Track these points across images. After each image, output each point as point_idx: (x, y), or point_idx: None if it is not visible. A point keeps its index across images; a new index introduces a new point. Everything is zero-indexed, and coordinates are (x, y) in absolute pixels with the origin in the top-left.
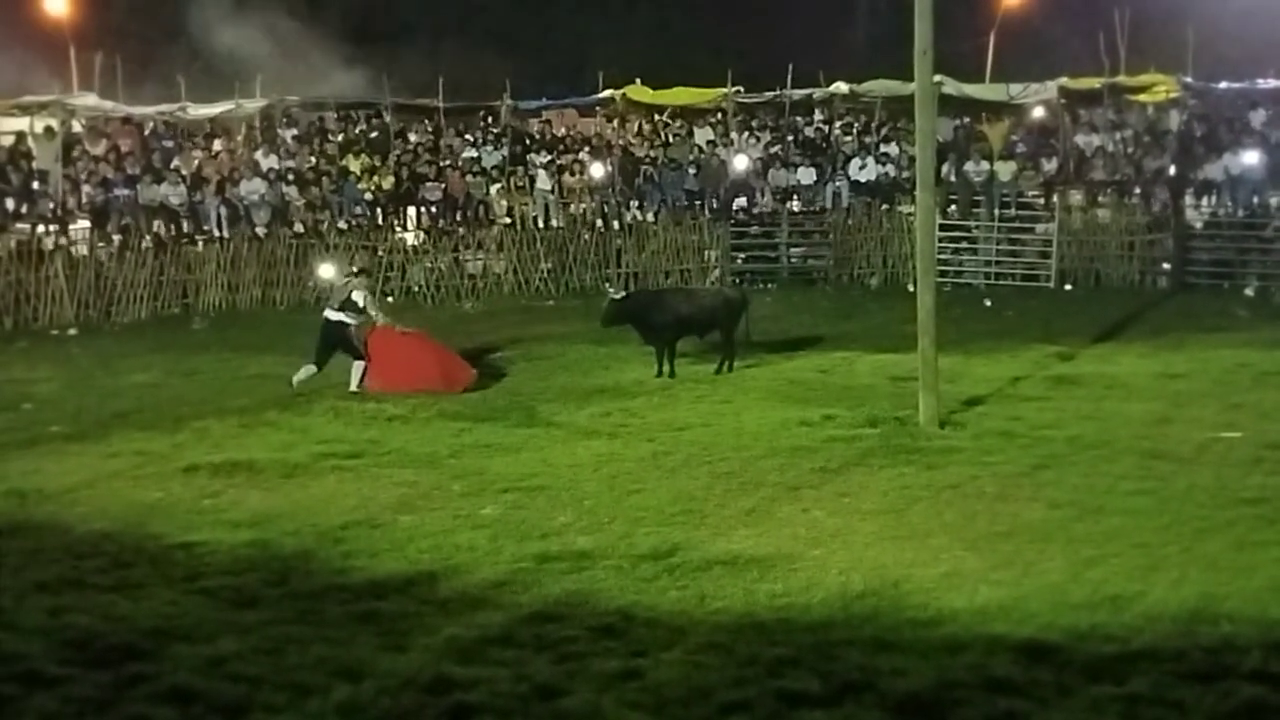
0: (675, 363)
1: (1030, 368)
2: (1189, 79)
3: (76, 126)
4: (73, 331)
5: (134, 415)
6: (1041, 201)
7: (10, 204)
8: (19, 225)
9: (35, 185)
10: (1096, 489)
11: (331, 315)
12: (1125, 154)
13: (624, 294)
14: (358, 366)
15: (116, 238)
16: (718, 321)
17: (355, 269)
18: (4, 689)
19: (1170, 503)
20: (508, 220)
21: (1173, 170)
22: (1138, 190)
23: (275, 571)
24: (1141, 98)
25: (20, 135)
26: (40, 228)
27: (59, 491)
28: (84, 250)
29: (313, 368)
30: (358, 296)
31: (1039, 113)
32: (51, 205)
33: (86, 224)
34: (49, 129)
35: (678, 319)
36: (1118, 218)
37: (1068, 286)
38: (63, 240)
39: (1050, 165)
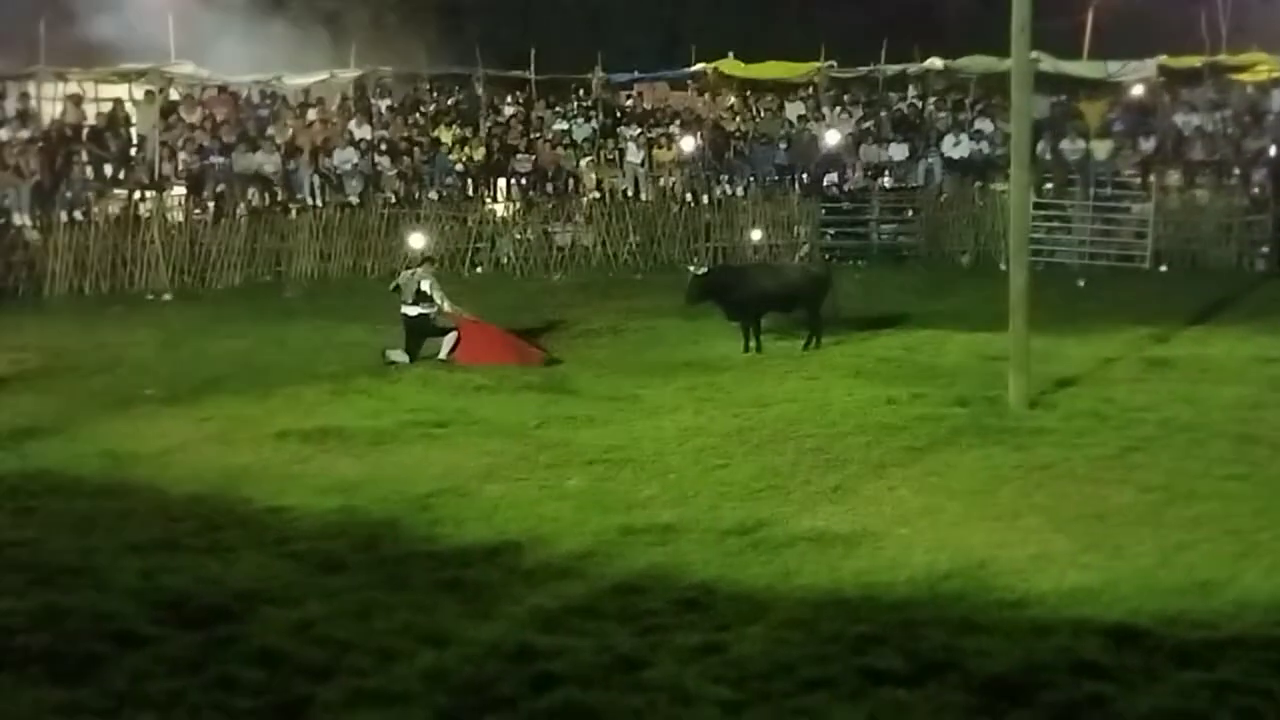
0: (762, 338)
1: (1123, 349)
2: None
3: (174, 94)
4: (167, 297)
5: (226, 380)
6: (1138, 181)
7: (109, 169)
8: (117, 191)
9: (133, 151)
10: (1188, 473)
11: (410, 311)
12: (1225, 134)
13: (706, 269)
14: (449, 337)
15: (211, 205)
16: (802, 298)
17: (420, 259)
18: (97, 648)
19: (1263, 488)
20: (597, 193)
21: (1273, 151)
22: (1236, 171)
23: (363, 537)
24: (1243, 77)
25: (118, 102)
26: (137, 194)
27: (153, 454)
28: (179, 217)
29: (405, 356)
30: (425, 285)
31: (1137, 91)
32: (149, 171)
33: (182, 190)
34: (149, 94)
35: (762, 295)
36: (1215, 199)
37: (1163, 268)
38: (159, 206)
39: (1148, 144)
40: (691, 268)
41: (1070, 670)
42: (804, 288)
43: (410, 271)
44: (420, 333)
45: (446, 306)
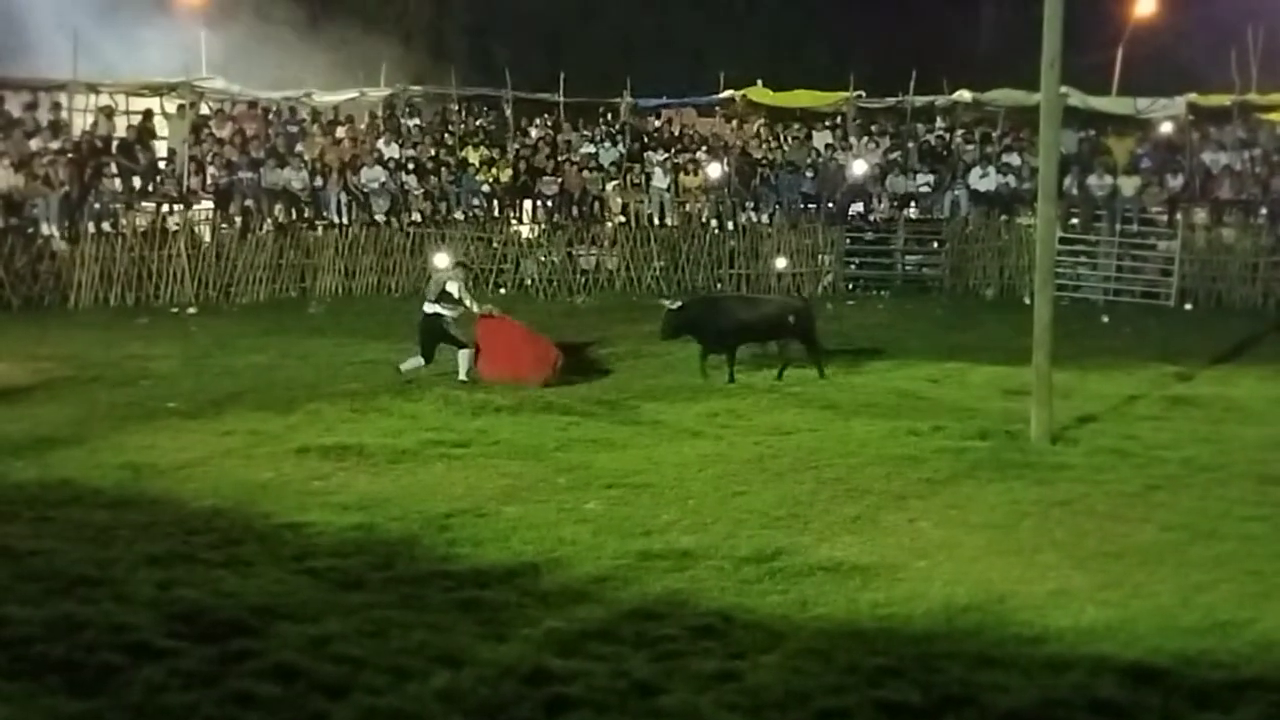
0: (736, 369)
1: (1146, 386)
2: None
3: (204, 109)
4: (192, 310)
5: (248, 395)
6: (1165, 218)
7: (137, 182)
8: (145, 204)
9: (162, 165)
10: (1210, 512)
11: (428, 308)
12: (1253, 173)
13: (680, 304)
14: (465, 355)
15: (238, 220)
16: (781, 330)
17: (453, 263)
18: (113, 659)
19: None
20: (622, 217)
21: None
22: (1264, 211)
23: (381, 555)
24: (1272, 116)
25: (147, 114)
26: (165, 207)
27: (173, 467)
28: (206, 231)
29: (420, 360)
30: (452, 288)
31: (1166, 128)
32: (177, 185)
33: (210, 205)
34: (181, 108)
35: (739, 326)
36: (1242, 238)
37: (1188, 306)
38: (186, 220)
39: (1175, 182)
40: (666, 301)
41: (1087, 708)
42: (781, 319)
43: (441, 269)
44: (433, 334)
45: (476, 309)
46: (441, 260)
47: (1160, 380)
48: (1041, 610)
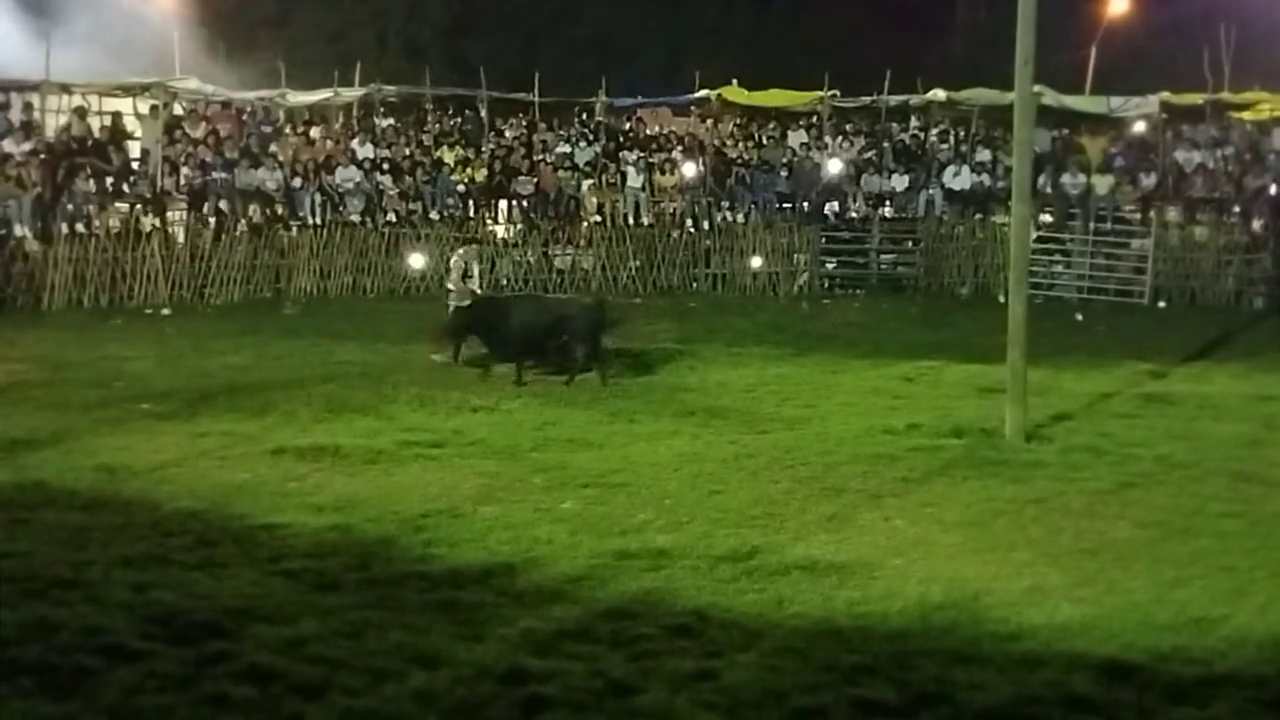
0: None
1: (1121, 384)
2: None
3: (178, 109)
4: (166, 311)
5: (223, 396)
6: (1138, 217)
7: (110, 183)
8: (118, 204)
9: (135, 165)
10: (1184, 509)
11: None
12: (1225, 171)
13: (469, 301)
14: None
15: (212, 220)
16: (571, 332)
17: (466, 240)
18: (87, 661)
19: (1259, 526)
20: (598, 217)
21: (1274, 189)
22: (1237, 209)
23: (357, 556)
24: (1244, 115)
25: (120, 115)
26: (138, 208)
27: (147, 469)
28: (180, 232)
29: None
30: (474, 268)
31: (1139, 127)
32: (151, 186)
33: (183, 205)
34: (154, 109)
35: (524, 329)
36: (1215, 236)
37: (1161, 304)
38: (160, 221)
39: (1148, 180)
40: (452, 299)
41: (1062, 705)
42: (569, 322)
43: (461, 252)
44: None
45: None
46: (417, 260)
47: (1134, 378)
48: (1016, 607)
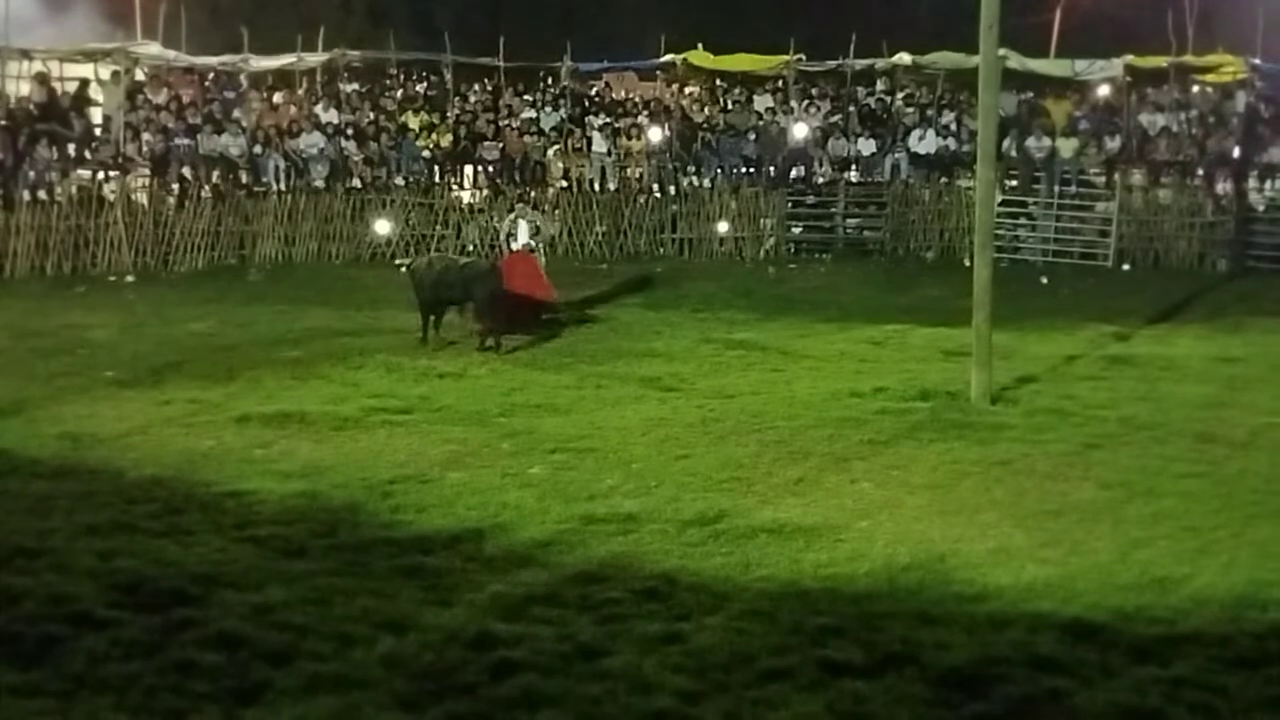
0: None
1: (1085, 347)
2: (1257, 60)
3: (139, 75)
4: (130, 279)
5: (188, 364)
6: (1102, 180)
7: (72, 149)
8: (80, 171)
9: (98, 132)
10: (1148, 470)
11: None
12: (1189, 134)
13: (408, 264)
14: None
15: (176, 187)
16: (471, 293)
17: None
18: (54, 629)
19: (1222, 487)
20: (564, 182)
21: (1237, 152)
22: (1200, 171)
23: (323, 522)
24: (1208, 78)
25: (84, 82)
26: (101, 174)
27: (112, 436)
28: (144, 198)
29: None
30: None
31: (1103, 90)
32: (113, 152)
33: (146, 172)
34: (116, 74)
35: (434, 288)
36: (1179, 199)
37: (1126, 266)
38: (123, 187)
39: (1113, 144)
40: (398, 261)
41: (1027, 664)
42: (466, 284)
43: (512, 215)
44: None
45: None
46: (383, 227)
47: (1099, 340)
48: (982, 569)
